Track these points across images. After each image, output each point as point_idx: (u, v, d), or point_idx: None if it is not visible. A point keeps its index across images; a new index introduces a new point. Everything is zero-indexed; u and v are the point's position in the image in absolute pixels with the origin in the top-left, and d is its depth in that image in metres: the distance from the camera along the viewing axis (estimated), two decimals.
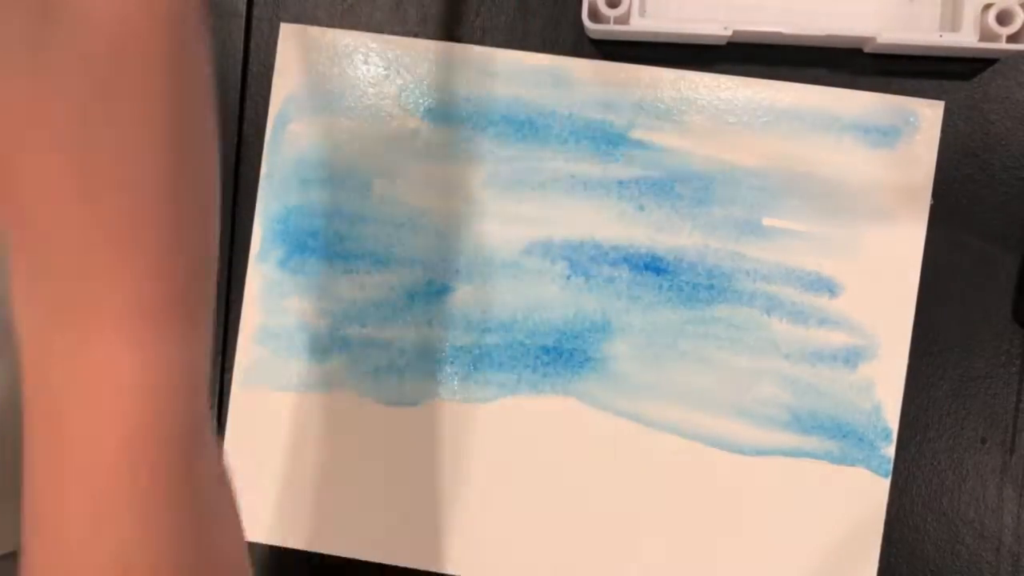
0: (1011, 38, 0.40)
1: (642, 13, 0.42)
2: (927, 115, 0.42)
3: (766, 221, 0.43)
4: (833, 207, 0.42)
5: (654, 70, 0.43)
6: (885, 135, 0.42)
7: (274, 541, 0.45)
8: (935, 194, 0.42)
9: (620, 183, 0.43)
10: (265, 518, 0.45)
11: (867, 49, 0.42)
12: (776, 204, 0.43)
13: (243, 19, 0.45)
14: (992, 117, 0.42)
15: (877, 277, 0.42)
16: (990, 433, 0.43)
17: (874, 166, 0.42)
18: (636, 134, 0.43)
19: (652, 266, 0.43)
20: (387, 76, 0.44)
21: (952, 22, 0.41)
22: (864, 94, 0.42)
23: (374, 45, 0.44)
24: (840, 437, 0.42)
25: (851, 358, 0.42)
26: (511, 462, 0.44)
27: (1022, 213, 0.42)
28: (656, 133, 0.43)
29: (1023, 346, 0.42)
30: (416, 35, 0.45)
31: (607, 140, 0.43)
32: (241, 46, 0.45)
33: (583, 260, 0.43)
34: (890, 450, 0.42)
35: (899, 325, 0.42)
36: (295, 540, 0.44)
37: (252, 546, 0.45)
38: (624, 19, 0.41)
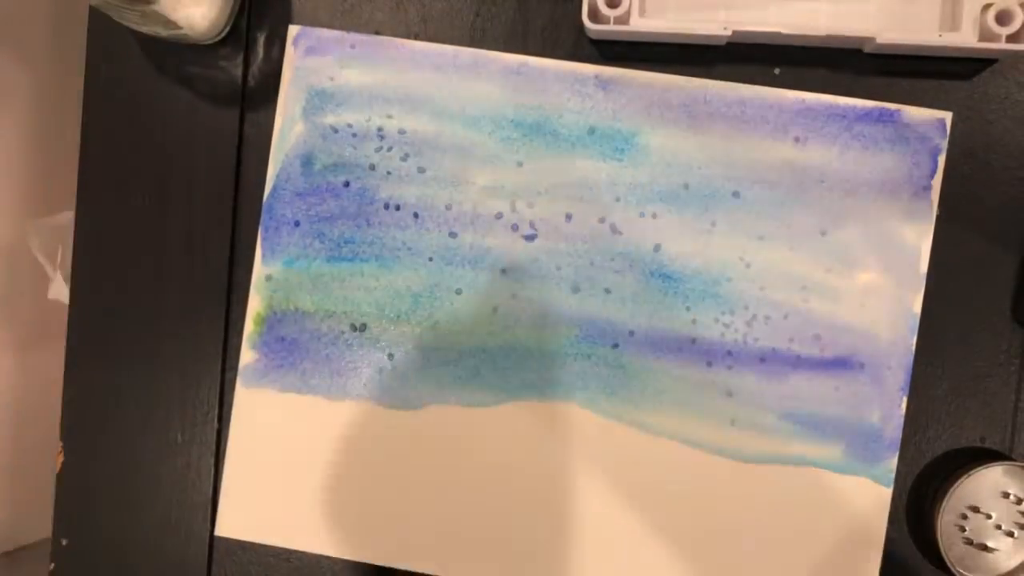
0: (1011, 38, 0.40)
1: (642, 13, 0.42)
2: (935, 126, 0.42)
3: (772, 228, 0.43)
4: (839, 216, 0.42)
5: (662, 76, 0.43)
6: (894, 145, 0.42)
7: (275, 542, 0.44)
8: None
9: (627, 188, 0.43)
10: (266, 519, 0.45)
11: (867, 49, 0.42)
12: (783, 212, 0.43)
13: (243, 19, 0.45)
14: (992, 117, 0.42)
15: (882, 286, 0.42)
16: (990, 433, 0.43)
17: (881, 176, 0.42)
18: (644, 140, 0.43)
19: (658, 273, 0.43)
20: (394, 79, 0.44)
21: (952, 22, 0.41)
22: (873, 104, 0.42)
23: (381, 48, 0.44)
24: (843, 446, 0.42)
25: (855, 367, 0.42)
26: (513, 467, 0.43)
27: (1022, 213, 0.42)
28: (663, 139, 0.43)
29: (1023, 346, 0.42)
30: (417, 35, 0.45)
31: (614, 146, 0.43)
32: (241, 46, 0.45)
33: (589, 266, 0.43)
34: (893, 461, 0.42)
35: (903, 336, 0.42)
36: (296, 541, 0.44)
37: (253, 547, 0.45)
38: (624, 19, 0.41)
